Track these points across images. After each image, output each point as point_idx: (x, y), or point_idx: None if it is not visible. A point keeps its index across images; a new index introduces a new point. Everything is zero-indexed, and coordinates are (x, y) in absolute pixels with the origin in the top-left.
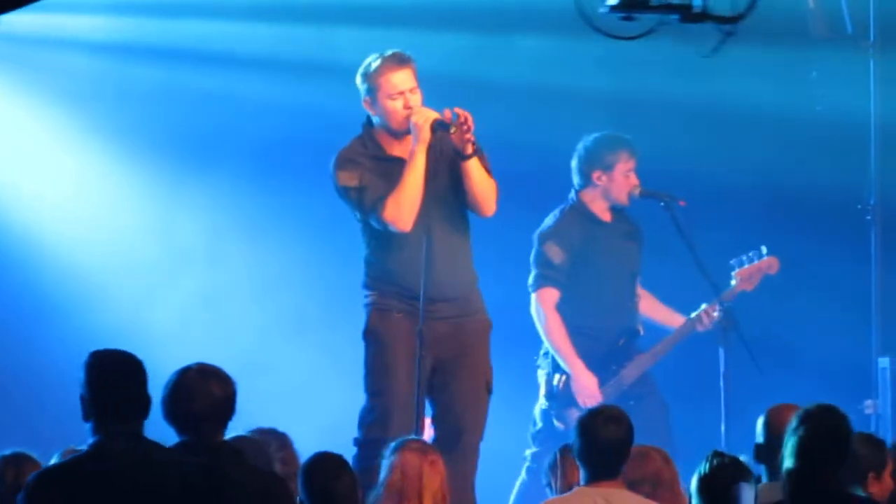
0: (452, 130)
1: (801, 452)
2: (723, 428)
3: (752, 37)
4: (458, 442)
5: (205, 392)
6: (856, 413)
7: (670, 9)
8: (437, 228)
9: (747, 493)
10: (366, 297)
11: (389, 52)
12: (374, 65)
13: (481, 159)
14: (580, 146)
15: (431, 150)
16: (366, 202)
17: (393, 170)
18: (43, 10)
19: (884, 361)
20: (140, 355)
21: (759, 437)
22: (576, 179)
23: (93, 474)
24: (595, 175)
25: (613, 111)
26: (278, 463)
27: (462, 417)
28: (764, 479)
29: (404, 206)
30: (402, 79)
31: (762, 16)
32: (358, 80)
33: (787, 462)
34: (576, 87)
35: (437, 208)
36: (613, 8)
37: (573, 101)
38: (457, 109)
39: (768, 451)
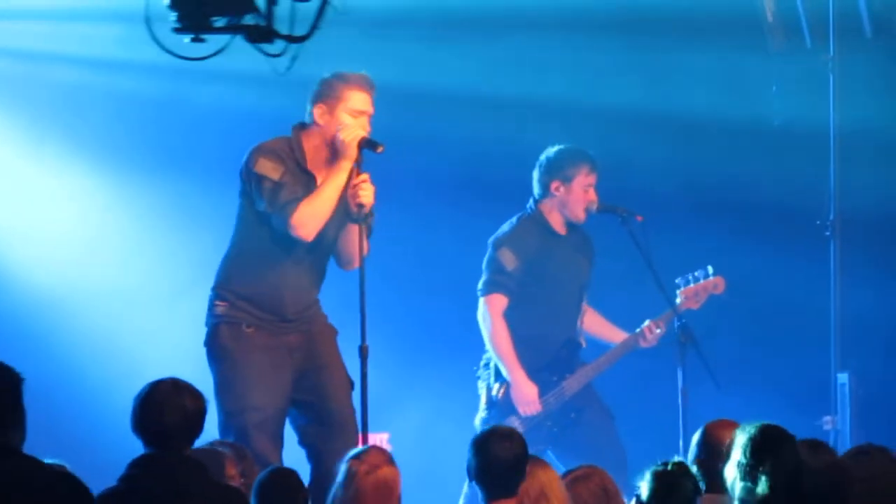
0: (379, 150)
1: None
2: (681, 444)
3: (712, 50)
4: (353, 429)
5: (178, 405)
6: (815, 429)
7: (237, 29)
8: (316, 249)
9: None
10: (214, 306)
11: (362, 72)
12: (348, 76)
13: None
14: (543, 156)
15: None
16: (279, 199)
17: (305, 183)
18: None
19: (843, 377)
20: (106, 370)
21: (698, 452)
22: (536, 189)
23: None
24: (553, 186)
25: (570, 122)
26: (238, 475)
27: (348, 411)
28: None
29: (316, 215)
30: (367, 102)
31: (722, 30)
32: (321, 84)
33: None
34: (532, 95)
35: (326, 232)
36: (178, 30)
37: (530, 109)
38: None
39: (709, 466)
